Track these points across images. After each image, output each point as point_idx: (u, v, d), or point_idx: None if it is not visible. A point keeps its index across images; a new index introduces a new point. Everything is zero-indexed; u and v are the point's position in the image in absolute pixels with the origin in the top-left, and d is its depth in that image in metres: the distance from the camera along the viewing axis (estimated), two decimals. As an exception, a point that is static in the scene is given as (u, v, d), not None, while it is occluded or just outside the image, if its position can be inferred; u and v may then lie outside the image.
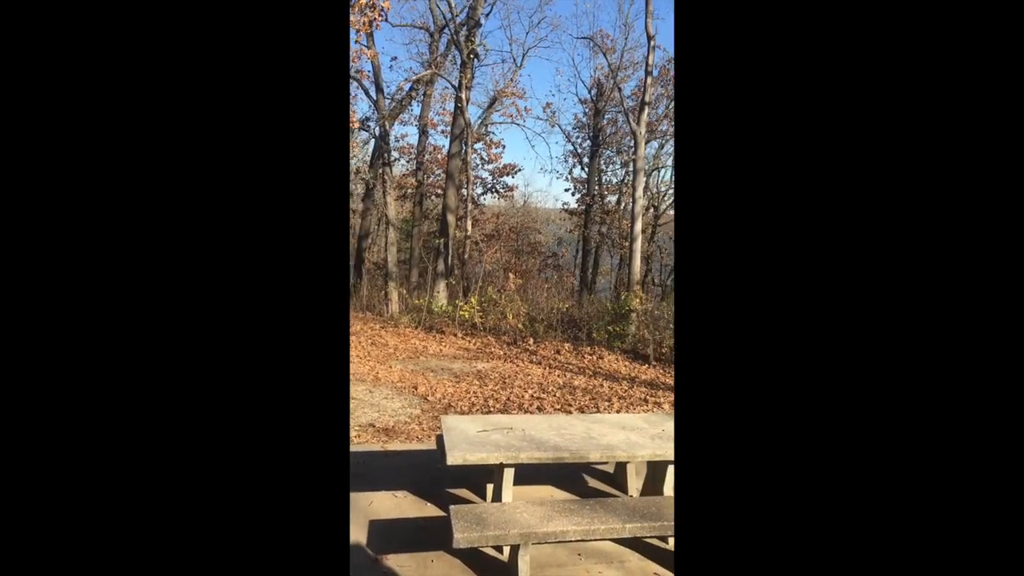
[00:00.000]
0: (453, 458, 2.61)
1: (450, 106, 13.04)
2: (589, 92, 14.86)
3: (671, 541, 2.86)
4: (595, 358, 7.59)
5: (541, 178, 47.88)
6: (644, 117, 9.63)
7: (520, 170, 17.51)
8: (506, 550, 2.64)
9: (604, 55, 12.28)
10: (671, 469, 3.11)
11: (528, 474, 3.45)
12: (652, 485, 3.20)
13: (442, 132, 14.26)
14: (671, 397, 5.81)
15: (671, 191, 16.15)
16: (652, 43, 9.36)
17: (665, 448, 2.88)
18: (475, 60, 11.53)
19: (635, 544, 2.81)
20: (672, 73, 13.76)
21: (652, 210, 15.54)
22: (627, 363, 7.41)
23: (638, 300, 8.62)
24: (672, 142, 15.25)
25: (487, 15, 11.66)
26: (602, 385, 6.19)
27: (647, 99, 9.83)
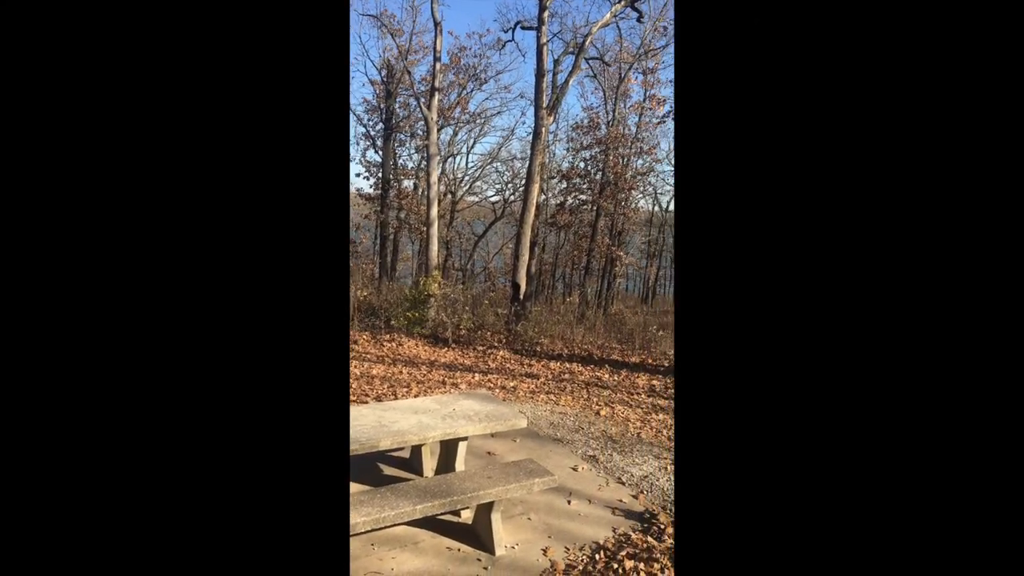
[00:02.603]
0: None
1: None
2: (379, 73, 14.46)
3: (464, 514, 2.99)
4: (395, 345, 7.52)
5: (336, 161, 45.37)
6: (435, 103, 9.73)
7: (310, 151, 16.20)
8: (293, 556, 2.49)
9: (392, 36, 12.03)
10: (462, 445, 3.23)
11: (319, 472, 3.28)
12: (446, 464, 3.30)
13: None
14: (468, 377, 6.04)
15: (467, 176, 16.64)
16: (439, 29, 9.46)
17: (455, 427, 2.98)
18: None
19: (428, 523, 2.87)
20: (463, 62, 14.09)
21: (450, 196, 15.83)
22: (427, 348, 7.49)
23: (436, 285, 8.74)
24: (466, 128, 15.67)
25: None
26: (401, 372, 6.17)
27: (437, 85, 9.93)
